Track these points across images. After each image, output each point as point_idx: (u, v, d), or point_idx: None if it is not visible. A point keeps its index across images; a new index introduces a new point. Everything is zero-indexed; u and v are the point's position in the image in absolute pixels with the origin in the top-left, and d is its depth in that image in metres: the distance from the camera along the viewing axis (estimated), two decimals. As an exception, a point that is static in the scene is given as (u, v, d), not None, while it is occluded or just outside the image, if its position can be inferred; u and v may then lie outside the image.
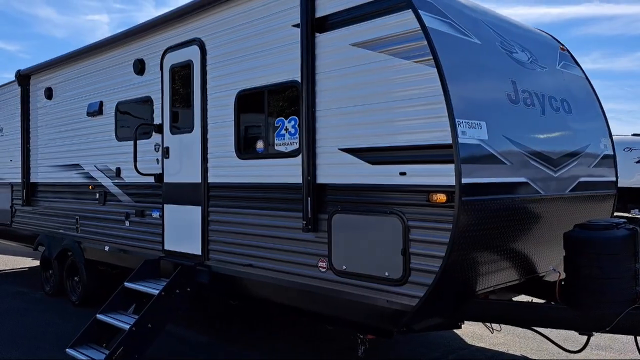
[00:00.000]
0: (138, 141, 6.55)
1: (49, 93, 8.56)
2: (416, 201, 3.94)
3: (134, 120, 6.95)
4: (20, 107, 9.20)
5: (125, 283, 5.96)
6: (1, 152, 10.14)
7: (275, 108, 5.05)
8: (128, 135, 6.94)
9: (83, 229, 7.79)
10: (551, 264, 4.97)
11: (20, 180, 9.35)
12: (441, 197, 3.77)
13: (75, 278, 8.14)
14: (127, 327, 5.22)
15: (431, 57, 3.83)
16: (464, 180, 3.70)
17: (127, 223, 6.93)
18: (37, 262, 11.89)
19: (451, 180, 3.72)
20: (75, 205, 7.96)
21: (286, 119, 4.91)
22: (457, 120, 3.73)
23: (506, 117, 4.31)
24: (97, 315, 5.67)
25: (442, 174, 3.77)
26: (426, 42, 3.86)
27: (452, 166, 3.72)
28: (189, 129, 5.94)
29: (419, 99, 3.90)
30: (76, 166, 7.92)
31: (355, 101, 4.33)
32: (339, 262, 4.44)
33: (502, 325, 5.05)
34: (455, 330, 6.38)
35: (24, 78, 9.15)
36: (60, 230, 8.31)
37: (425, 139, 3.88)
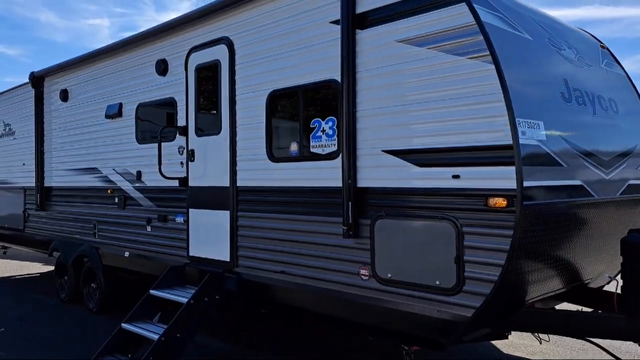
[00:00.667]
0: (162, 144, 6.33)
1: (64, 95, 8.32)
2: (472, 206, 3.69)
3: (156, 123, 6.71)
4: (34, 109, 8.96)
5: (150, 291, 5.71)
6: (13, 155, 9.90)
7: (311, 109, 4.82)
8: (150, 138, 6.71)
9: (101, 234, 7.55)
10: (597, 271, 4.74)
11: (34, 185, 9.12)
12: (501, 202, 3.52)
13: (92, 284, 7.90)
14: (155, 337, 4.97)
15: (488, 53, 3.59)
16: (526, 184, 3.46)
17: (148, 228, 6.68)
18: (49, 268, 11.66)
19: (512, 184, 3.48)
20: (93, 210, 7.72)
21: (323, 120, 4.67)
22: (517, 119, 3.48)
23: (561, 117, 4.08)
24: (123, 324, 5.43)
25: (502, 177, 3.53)
26: (482, 37, 3.63)
27: (512, 168, 3.48)
28: (216, 131, 5.70)
29: (475, 97, 3.66)
30: (93, 170, 7.68)
31: (401, 100, 4.10)
32: (383, 269, 4.20)
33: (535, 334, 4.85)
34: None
35: (38, 80, 8.91)
36: (77, 236, 8.06)
37: (482, 139, 3.63)
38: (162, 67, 6.41)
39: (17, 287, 9.85)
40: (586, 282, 4.84)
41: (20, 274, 11.18)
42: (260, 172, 5.26)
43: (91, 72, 7.79)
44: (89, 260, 7.77)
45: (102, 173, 7.52)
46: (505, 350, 5.98)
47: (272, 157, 5.14)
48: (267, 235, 5.19)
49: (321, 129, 4.68)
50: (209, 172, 5.81)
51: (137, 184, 6.87)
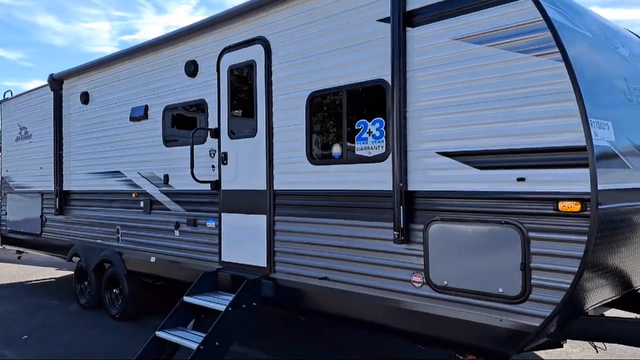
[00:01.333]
0: (187, 147, 6.17)
1: (85, 98, 8.14)
2: (539, 210, 3.51)
3: (184, 125, 6.53)
4: (52, 112, 8.77)
5: (184, 297, 5.52)
6: (30, 159, 9.71)
7: (356, 109, 4.64)
8: (178, 141, 6.53)
9: (125, 239, 7.36)
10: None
11: (52, 189, 8.92)
12: (574, 206, 3.34)
13: (115, 290, 7.70)
14: (194, 345, 4.78)
15: (557, 50, 3.42)
16: (600, 187, 3.28)
17: (176, 233, 6.49)
18: (62, 273, 11.46)
19: (585, 187, 3.30)
20: (116, 214, 7.53)
21: (369, 121, 4.49)
22: (589, 119, 3.31)
23: (625, 116, 3.90)
24: (157, 332, 5.23)
25: (574, 180, 3.35)
26: (550, 33, 3.45)
27: (586, 171, 3.30)
28: (252, 133, 5.52)
29: (543, 96, 3.48)
30: (117, 173, 7.49)
31: (458, 100, 3.92)
32: (439, 276, 4.01)
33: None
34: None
35: (56, 82, 8.72)
36: (98, 240, 7.87)
37: (551, 141, 3.45)
38: (191, 69, 6.23)
39: (33, 292, 9.64)
40: (636, 288, 4.66)
41: (34, 279, 10.97)
42: (299, 175, 5.08)
43: (114, 74, 7.60)
44: (111, 266, 7.58)
45: (125, 177, 7.33)
46: (544, 356, 5.80)
47: (313, 160, 4.96)
48: (306, 240, 5.01)
49: (367, 130, 4.50)
50: (243, 175, 5.62)
51: (164, 188, 6.68)
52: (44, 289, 9.90)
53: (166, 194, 6.65)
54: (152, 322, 7.30)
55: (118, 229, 7.47)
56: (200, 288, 5.65)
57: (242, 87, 5.71)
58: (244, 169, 5.63)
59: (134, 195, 7.17)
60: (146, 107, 6.96)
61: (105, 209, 7.75)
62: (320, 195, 4.90)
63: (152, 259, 6.83)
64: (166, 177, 6.62)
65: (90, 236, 8.07)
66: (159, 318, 7.55)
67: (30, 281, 10.75)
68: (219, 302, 5.27)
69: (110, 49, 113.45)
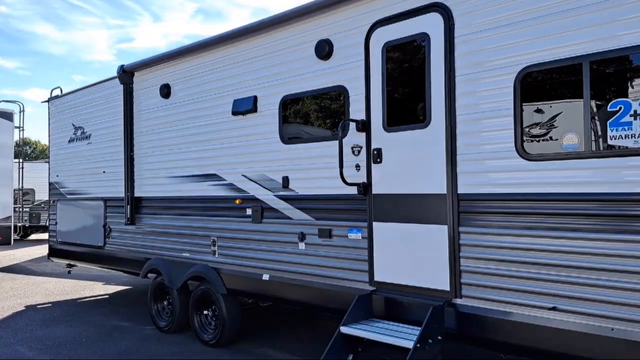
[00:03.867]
0: (322, 143, 5.02)
1: (166, 91, 6.94)
2: None
3: (310, 119, 5.36)
4: (123, 108, 7.56)
5: (341, 328, 4.35)
6: (89, 162, 8.49)
7: (608, 86, 3.48)
8: (302, 137, 5.36)
9: (223, 253, 6.15)
10: None
11: (118, 195, 7.71)
12: None
13: (207, 312, 6.49)
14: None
15: None
16: None
17: (301, 246, 5.30)
18: (114, 288, 10.20)
19: None
20: (211, 224, 6.32)
21: (635, 101, 3.33)
22: None
23: None
24: (320, 375, 4.04)
25: None
26: None
27: None
28: (421, 123, 4.36)
29: None
30: (212, 177, 6.30)
31: None
32: None
33: None
34: None
35: (127, 75, 7.52)
36: (185, 254, 6.65)
37: None
38: (325, 50, 5.06)
39: (92, 311, 8.39)
40: None
41: (86, 295, 9.72)
42: (502, 174, 3.92)
43: (207, 62, 6.42)
44: (204, 283, 6.37)
45: (225, 180, 6.13)
46: None
47: (526, 154, 3.79)
48: (518, 258, 3.84)
49: (630, 112, 3.34)
50: (408, 175, 4.45)
51: (281, 193, 5.49)
52: (103, 307, 8.65)
53: (285, 199, 5.46)
54: (254, 348, 6.13)
55: (214, 241, 6.26)
56: (354, 316, 4.46)
57: (404, 67, 4.54)
58: (407, 168, 4.46)
59: (237, 201, 5.98)
60: (255, 99, 5.78)
61: (194, 217, 6.54)
62: (539, 200, 3.74)
63: (265, 277, 5.63)
64: (285, 179, 5.44)
65: (173, 249, 6.85)
66: (259, 343, 6.36)
67: (83, 298, 9.49)
68: (393, 335, 4.09)
69: (107, 57, 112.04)
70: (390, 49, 4.60)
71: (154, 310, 7.22)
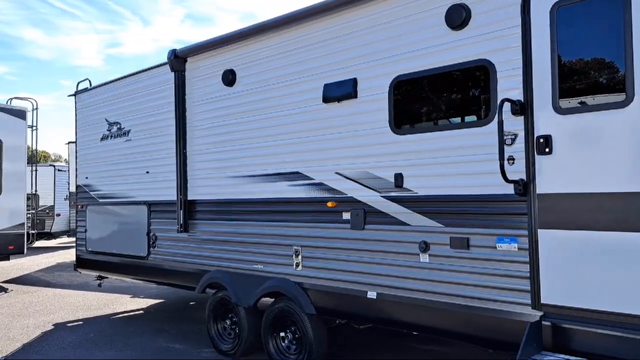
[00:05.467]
0: (454, 132, 4.02)
1: (230, 77, 5.88)
2: None
3: (435, 102, 4.33)
4: (174, 99, 6.48)
5: (519, 366, 3.30)
6: (128, 162, 7.39)
7: None
8: (422, 125, 4.33)
9: (310, 265, 5.09)
10: None
11: (167, 199, 6.64)
12: None
13: (285, 334, 5.43)
14: None
15: None
16: None
17: (424, 258, 4.26)
18: (146, 301, 9.06)
19: None
20: (292, 231, 5.27)
21: None
22: None
23: None
24: None
25: None
26: None
27: None
28: (619, 102, 3.34)
29: None
30: (293, 175, 5.24)
31: None
32: None
33: None
34: None
35: (180, 61, 6.45)
36: (258, 266, 5.58)
37: None
38: (460, 16, 4.04)
39: (132, 330, 7.27)
40: None
41: (117, 311, 8.57)
42: None
43: (284, 42, 5.38)
44: (283, 301, 5.31)
45: (312, 179, 5.08)
46: None
47: None
48: None
49: None
50: (606, 170, 3.42)
51: (393, 193, 4.45)
52: (143, 325, 7.52)
53: (398, 201, 4.42)
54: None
55: (297, 251, 5.20)
56: (528, 350, 3.43)
57: (586, 31, 3.53)
58: (608, 160, 3.42)
59: (330, 204, 4.93)
60: (355, 82, 4.74)
61: (268, 223, 5.48)
62: None
63: (371, 294, 4.58)
64: (399, 177, 4.40)
65: (240, 260, 5.78)
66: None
67: (115, 314, 8.34)
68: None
69: (96, 62, 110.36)
70: (562, 11, 3.58)
71: (214, 330, 6.12)
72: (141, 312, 8.52)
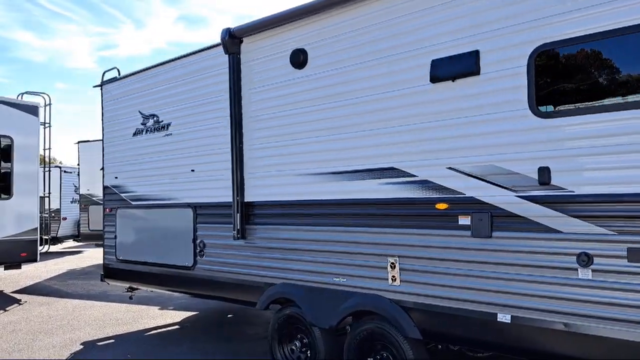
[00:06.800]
0: (623, 113, 3.08)
1: (299, 59, 4.93)
2: None
3: (594, 75, 3.40)
4: (229, 86, 5.52)
5: None
6: (167, 160, 6.42)
7: None
8: (579, 106, 3.39)
9: (412, 280, 4.15)
10: None
11: (218, 200, 5.70)
12: None
13: (372, 361, 4.46)
14: None
15: None
16: None
17: (584, 273, 3.33)
18: (179, 314, 8.05)
19: None
20: (386, 238, 4.32)
21: None
22: None
23: None
24: None
25: None
26: None
27: None
28: None
29: None
30: (386, 172, 4.30)
31: None
32: None
33: None
34: None
35: (236, 42, 5.49)
36: (339, 279, 4.62)
37: None
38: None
39: (172, 351, 6.29)
40: None
41: (149, 326, 7.59)
42: None
43: (374, 12, 4.43)
44: (373, 321, 4.37)
45: (413, 176, 4.14)
46: None
47: None
48: None
49: None
50: None
51: (535, 192, 3.52)
52: (182, 344, 6.54)
53: (544, 202, 3.49)
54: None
55: (393, 264, 4.25)
56: None
57: None
58: None
59: (440, 205, 3.98)
60: (476, 55, 3.80)
61: (353, 229, 4.53)
62: None
63: (503, 317, 3.64)
64: (544, 171, 3.47)
65: (315, 272, 4.83)
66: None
67: (149, 330, 7.36)
68: None
69: (89, 65, 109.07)
70: None
71: (281, 354, 5.16)
72: (177, 327, 7.53)
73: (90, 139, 17.15)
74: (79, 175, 18.29)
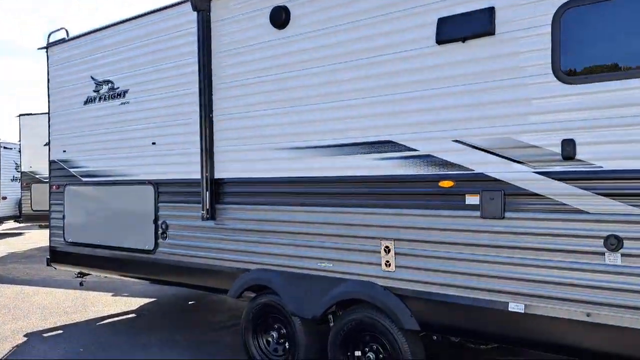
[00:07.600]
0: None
1: (280, 17, 4.34)
2: None
3: (630, 35, 2.99)
4: (197, 48, 4.87)
5: None
6: (124, 131, 5.72)
7: None
8: (612, 71, 2.99)
9: (410, 265, 3.70)
10: None
11: (183, 177, 5.08)
12: None
13: (361, 353, 4.02)
14: None
15: None
16: None
17: (612, 258, 2.97)
18: (129, 301, 7.38)
19: None
20: (379, 220, 3.85)
21: None
22: None
23: None
24: None
25: None
26: None
27: None
28: None
29: None
30: (382, 145, 3.81)
31: None
32: None
33: None
34: None
35: (204, -2, 4.84)
36: (325, 264, 4.13)
37: None
38: None
39: (128, 342, 5.69)
40: None
41: (101, 314, 6.88)
42: None
43: (370, -36, 3.89)
44: (363, 310, 3.91)
45: (414, 150, 3.67)
46: None
47: None
48: None
49: None
50: None
51: (558, 167, 3.11)
52: (140, 334, 5.91)
53: (568, 179, 3.09)
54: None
55: (387, 247, 3.79)
56: None
57: None
58: None
59: (445, 183, 3.53)
60: (491, 12, 3.34)
61: (343, 209, 4.03)
62: None
63: (515, 307, 3.26)
64: (569, 144, 3.07)
65: (296, 257, 4.31)
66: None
67: (101, 319, 6.67)
68: None
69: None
70: None
71: (255, 347, 4.63)
72: (132, 315, 6.87)
73: (33, 112, 15.90)
74: (20, 151, 16.98)
